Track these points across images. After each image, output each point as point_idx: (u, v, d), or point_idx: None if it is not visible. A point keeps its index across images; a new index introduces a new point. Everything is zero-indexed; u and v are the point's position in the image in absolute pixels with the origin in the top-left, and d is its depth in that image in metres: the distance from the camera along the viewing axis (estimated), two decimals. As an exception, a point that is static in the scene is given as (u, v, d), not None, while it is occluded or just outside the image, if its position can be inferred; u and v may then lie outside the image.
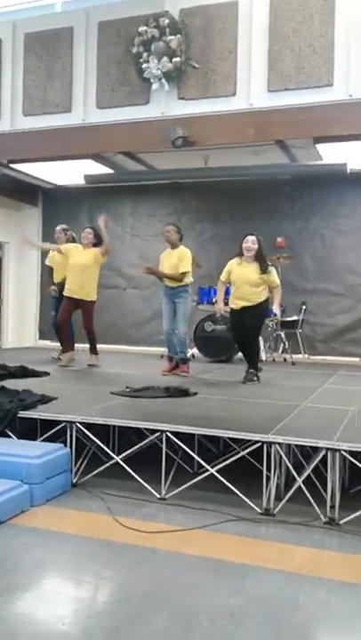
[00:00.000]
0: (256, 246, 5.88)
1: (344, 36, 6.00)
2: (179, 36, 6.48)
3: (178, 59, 6.49)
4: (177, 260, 6.55)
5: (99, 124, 7.08)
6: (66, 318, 6.98)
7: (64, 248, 7.14)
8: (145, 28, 6.60)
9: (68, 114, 7.19)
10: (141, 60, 6.64)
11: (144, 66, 6.61)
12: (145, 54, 6.61)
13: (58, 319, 7.05)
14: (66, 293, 6.94)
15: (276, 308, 6.08)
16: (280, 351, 8.54)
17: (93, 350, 7.04)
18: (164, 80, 6.57)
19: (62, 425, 4.12)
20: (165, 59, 6.51)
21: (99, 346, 7.17)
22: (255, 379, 6.03)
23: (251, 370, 6.08)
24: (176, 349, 6.61)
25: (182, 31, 6.50)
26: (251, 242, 5.87)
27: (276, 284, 5.99)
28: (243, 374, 6.12)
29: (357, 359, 8.92)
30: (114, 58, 6.96)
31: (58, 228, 7.74)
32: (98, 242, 6.96)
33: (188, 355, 8.11)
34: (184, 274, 6.46)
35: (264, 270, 5.86)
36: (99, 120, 7.07)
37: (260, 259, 5.90)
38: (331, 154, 7.30)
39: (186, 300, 6.54)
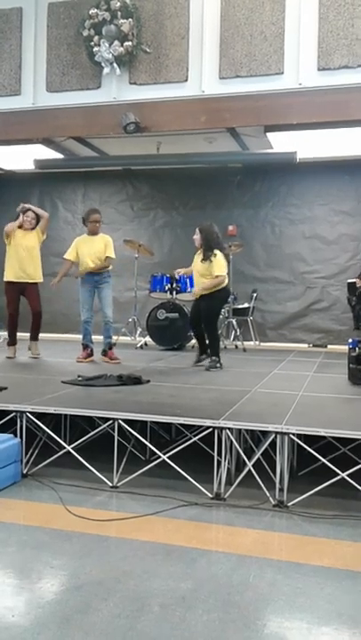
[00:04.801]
0: (197, 237, 6.14)
1: (295, 24, 6.05)
2: (130, 19, 6.40)
3: (129, 43, 6.41)
4: (103, 246, 6.58)
5: (49, 107, 6.94)
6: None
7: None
8: (96, 10, 6.49)
9: (18, 97, 7.02)
10: (92, 43, 6.53)
11: (95, 49, 6.51)
12: (96, 37, 6.51)
13: (14, 311, 6.70)
14: (13, 278, 6.65)
15: (194, 290, 6.15)
16: (231, 338, 8.64)
17: (36, 337, 6.84)
18: (115, 64, 6.48)
19: (12, 415, 4.05)
20: (117, 42, 6.41)
21: (50, 335, 7.06)
22: (218, 365, 6.08)
23: (213, 357, 6.13)
24: (91, 337, 6.66)
25: (134, 15, 6.42)
26: (195, 233, 6.17)
27: (214, 274, 5.99)
28: (194, 360, 6.34)
29: (306, 345, 9.12)
30: (64, 40, 6.83)
31: None
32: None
33: (141, 343, 8.18)
34: (111, 259, 6.63)
35: (205, 259, 6.03)
36: (49, 104, 6.93)
37: (206, 248, 6.06)
38: (281, 142, 7.37)
39: (110, 284, 6.67)
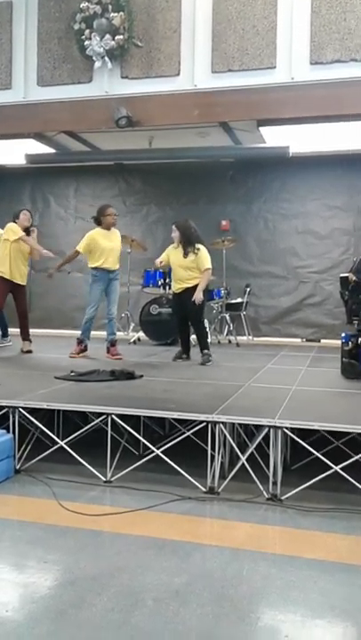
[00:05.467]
0: (176, 234, 6.19)
1: (287, 18, 6.03)
2: (121, 13, 6.36)
3: (121, 36, 6.37)
4: (119, 242, 6.58)
5: (40, 101, 6.89)
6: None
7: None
8: (87, 4, 6.44)
9: (8, 91, 6.97)
10: (83, 36, 6.49)
11: (86, 43, 6.46)
12: (87, 31, 6.46)
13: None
14: (8, 277, 6.66)
15: (197, 294, 5.97)
16: (225, 333, 8.64)
17: (27, 336, 6.88)
18: (106, 58, 6.44)
19: (4, 410, 4.04)
20: (108, 36, 6.37)
21: (43, 330, 7.03)
22: (211, 359, 6.11)
23: (205, 351, 6.17)
24: (89, 334, 6.60)
25: (125, 8, 6.37)
26: (172, 231, 6.24)
27: (204, 266, 6.07)
28: (175, 355, 6.41)
29: (299, 340, 9.14)
30: (55, 34, 6.77)
31: None
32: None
33: (135, 338, 8.16)
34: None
35: (187, 254, 6.07)
36: (40, 98, 6.89)
37: (186, 243, 6.10)
38: (273, 137, 7.35)
39: (119, 281, 6.62)
